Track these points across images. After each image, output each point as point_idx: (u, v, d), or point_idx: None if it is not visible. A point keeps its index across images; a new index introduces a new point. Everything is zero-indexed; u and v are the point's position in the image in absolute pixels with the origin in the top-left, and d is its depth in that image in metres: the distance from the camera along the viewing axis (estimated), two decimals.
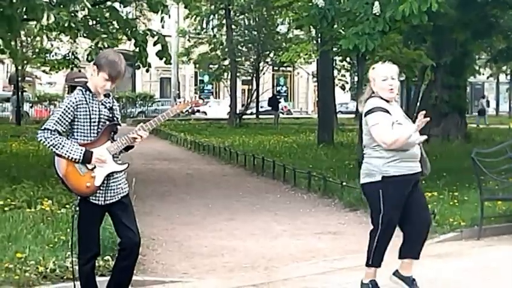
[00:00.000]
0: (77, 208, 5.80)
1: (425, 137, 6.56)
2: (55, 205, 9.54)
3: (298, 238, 9.66)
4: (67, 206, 9.49)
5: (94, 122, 5.66)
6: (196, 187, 15.05)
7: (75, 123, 5.62)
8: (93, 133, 5.67)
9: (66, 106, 5.60)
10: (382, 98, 6.44)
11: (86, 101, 5.65)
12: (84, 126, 5.63)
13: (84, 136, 5.64)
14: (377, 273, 6.60)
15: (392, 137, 6.28)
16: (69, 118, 5.59)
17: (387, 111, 6.36)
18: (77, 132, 5.64)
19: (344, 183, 12.60)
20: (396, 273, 6.66)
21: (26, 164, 15.81)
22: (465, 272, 7.66)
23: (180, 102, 6.01)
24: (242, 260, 8.38)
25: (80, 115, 5.61)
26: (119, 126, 5.87)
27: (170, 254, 8.66)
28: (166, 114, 5.91)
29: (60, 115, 5.58)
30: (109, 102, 5.80)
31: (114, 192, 5.75)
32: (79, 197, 5.73)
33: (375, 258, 6.53)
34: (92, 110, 5.65)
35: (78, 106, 5.61)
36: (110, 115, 5.77)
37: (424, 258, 7.38)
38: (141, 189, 12.33)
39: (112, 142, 5.75)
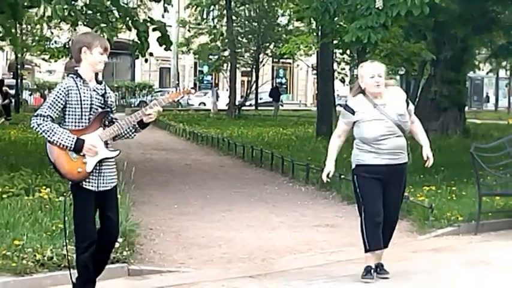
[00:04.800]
0: (70, 193, 5.86)
1: None
2: (53, 193, 9.52)
3: (295, 230, 9.66)
4: (65, 194, 9.48)
5: (86, 108, 5.69)
6: (194, 178, 15.04)
7: (67, 109, 5.67)
8: (85, 119, 5.71)
9: (58, 92, 5.67)
10: (366, 95, 6.94)
11: (77, 87, 5.70)
12: (75, 112, 5.68)
13: (75, 122, 5.69)
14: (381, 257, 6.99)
15: (331, 142, 7.13)
16: (61, 104, 5.65)
17: (352, 112, 6.93)
18: (69, 118, 5.69)
19: (342, 176, 12.57)
20: None
21: (25, 152, 15.80)
22: (462, 266, 7.68)
23: (172, 91, 6.07)
24: (239, 251, 8.38)
25: (72, 101, 5.66)
26: (112, 115, 5.88)
27: (167, 243, 8.66)
28: (163, 100, 5.96)
29: (52, 101, 5.65)
30: (101, 89, 5.84)
31: (107, 179, 5.81)
32: (70, 183, 5.78)
33: (368, 244, 6.91)
34: (84, 96, 5.69)
35: (69, 92, 5.66)
36: (103, 102, 5.80)
37: (422, 252, 7.42)
38: (140, 178, 12.33)
39: (104, 129, 5.78)
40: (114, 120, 5.88)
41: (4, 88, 32.22)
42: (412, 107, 7.11)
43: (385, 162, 6.82)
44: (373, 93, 6.89)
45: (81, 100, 5.67)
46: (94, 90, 5.78)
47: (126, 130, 5.90)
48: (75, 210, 5.81)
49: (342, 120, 7.11)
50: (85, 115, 5.70)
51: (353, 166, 7.02)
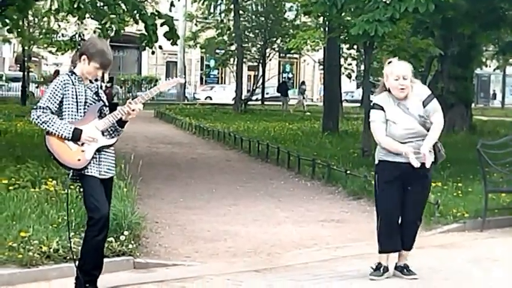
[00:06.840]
0: (69, 180, 6.03)
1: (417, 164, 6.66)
2: (59, 185, 9.52)
3: (301, 225, 9.66)
4: (71, 186, 9.49)
5: (81, 102, 5.93)
6: (200, 172, 15.05)
7: (64, 103, 5.90)
8: (80, 113, 5.94)
9: (55, 85, 5.91)
10: (391, 93, 6.79)
11: (72, 82, 5.94)
12: (71, 105, 5.90)
13: (72, 115, 5.90)
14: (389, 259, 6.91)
15: (383, 141, 6.77)
16: (59, 96, 5.88)
17: (382, 109, 6.76)
18: (65, 111, 5.90)
19: (348, 172, 12.60)
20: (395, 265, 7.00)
21: (31, 144, 15.80)
22: (467, 262, 7.68)
23: (162, 82, 6.37)
24: (245, 245, 8.39)
25: (68, 95, 5.89)
26: (105, 107, 6.06)
27: (173, 237, 8.68)
28: (154, 90, 6.37)
29: (50, 93, 5.88)
30: (94, 87, 6.08)
31: (106, 167, 5.99)
32: (71, 173, 5.90)
33: (380, 244, 6.87)
34: (78, 91, 5.93)
35: (65, 86, 5.90)
36: (96, 98, 6.03)
37: (428, 248, 7.41)
38: (146, 172, 12.34)
39: (100, 120, 5.97)
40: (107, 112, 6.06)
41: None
42: (431, 107, 6.78)
43: (406, 160, 6.64)
44: (397, 96, 6.74)
45: (76, 94, 5.91)
46: (88, 87, 6.01)
47: (113, 128, 6.04)
48: (85, 197, 5.94)
49: (376, 119, 6.81)
50: (80, 109, 5.94)
51: (376, 162, 6.93)
